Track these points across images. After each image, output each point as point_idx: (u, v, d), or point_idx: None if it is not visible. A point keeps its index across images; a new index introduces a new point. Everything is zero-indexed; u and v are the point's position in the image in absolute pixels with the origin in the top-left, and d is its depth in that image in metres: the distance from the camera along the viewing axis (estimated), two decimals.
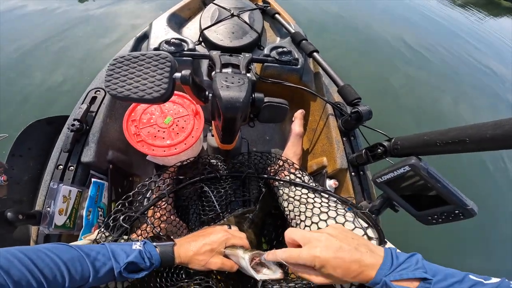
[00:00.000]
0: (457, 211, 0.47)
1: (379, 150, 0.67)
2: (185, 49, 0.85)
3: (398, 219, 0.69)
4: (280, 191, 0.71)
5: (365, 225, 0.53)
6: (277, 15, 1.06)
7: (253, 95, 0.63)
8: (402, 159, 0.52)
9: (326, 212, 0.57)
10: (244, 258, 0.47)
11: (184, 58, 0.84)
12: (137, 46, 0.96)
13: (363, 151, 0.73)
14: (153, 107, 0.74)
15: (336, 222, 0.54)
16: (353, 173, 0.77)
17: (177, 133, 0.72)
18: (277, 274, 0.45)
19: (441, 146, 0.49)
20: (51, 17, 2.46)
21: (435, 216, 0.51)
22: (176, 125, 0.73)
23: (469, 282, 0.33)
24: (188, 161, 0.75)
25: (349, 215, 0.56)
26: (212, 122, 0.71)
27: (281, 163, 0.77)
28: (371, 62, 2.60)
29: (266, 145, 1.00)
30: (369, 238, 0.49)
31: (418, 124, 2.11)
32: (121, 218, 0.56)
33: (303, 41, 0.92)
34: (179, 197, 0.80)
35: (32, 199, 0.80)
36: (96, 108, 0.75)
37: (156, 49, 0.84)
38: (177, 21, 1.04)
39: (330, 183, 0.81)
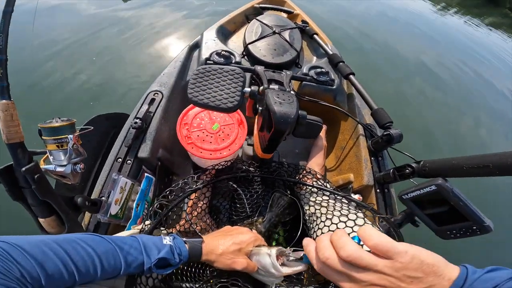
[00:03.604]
0: (474, 227, 0.53)
1: (407, 170, 0.73)
2: (233, 61, 0.93)
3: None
4: (303, 196, 0.77)
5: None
6: (315, 36, 1.13)
7: (299, 112, 0.70)
8: (429, 180, 0.58)
9: (346, 215, 0.62)
10: (270, 254, 0.49)
11: None
12: (189, 54, 1.05)
13: (391, 170, 0.79)
14: (203, 113, 0.82)
15: (355, 224, 0.59)
16: (378, 190, 0.83)
17: (223, 139, 0.80)
18: (301, 266, 0.47)
19: (467, 170, 0.55)
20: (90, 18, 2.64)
21: (454, 231, 0.56)
22: (222, 132, 0.80)
23: None
24: (225, 163, 0.81)
25: (368, 219, 0.62)
26: (256, 133, 0.78)
27: (305, 172, 0.83)
28: (387, 80, 2.64)
29: (295, 158, 1.06)
30: None
31: (434, 148, 2.14)
32: (157, 205, 0.59)
33: (341, 63, 0.98)
34: (213, 198, 0.87)
35: (83, 188, 0.87)
36: (154, 109, 0.84)
37: (207, 59, 0.93)
38: (224, 33, 1.13)
39: (355, 198, 0.87)
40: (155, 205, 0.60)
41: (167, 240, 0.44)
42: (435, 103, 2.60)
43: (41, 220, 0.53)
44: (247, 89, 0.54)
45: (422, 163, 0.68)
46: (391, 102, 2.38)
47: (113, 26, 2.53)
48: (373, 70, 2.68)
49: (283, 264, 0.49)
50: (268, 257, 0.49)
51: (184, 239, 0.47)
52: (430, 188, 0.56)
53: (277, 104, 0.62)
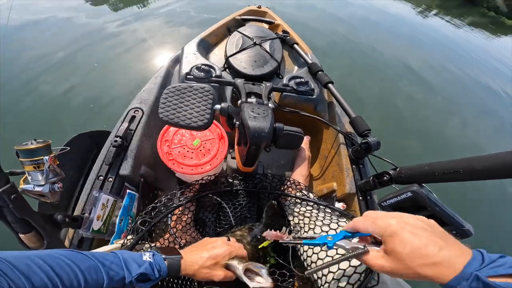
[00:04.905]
0: (454, 232, 0.53)
1: (385, 177, 0.74)
2: (213, 75, 0.94)
3: None
4: (287, 207, 0.78)
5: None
6: (295, 45, 1.15)
7: (275, 125, 0.71)
8: (406, 186, 0.59)
9: (328, 224, 0.63)
10: (238, 268, 0.51)
11: (212, 84, 0.93)
12: (170, 69, 1.05)
13: (371, 178, 0.80)
14: (183, 130, 0.82)
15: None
16: (360, 198, 0.84)
17: (204, 155, 0.80)
18: (268, 283, 0.50)
19: (439, 176, 0.56)
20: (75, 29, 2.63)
21: None
22: (203, 147, 0.81)
23: None
24: (208, 178, 0.82)
25: None
26: (236, 147, 0.79)
27: (289, 183, 0.84)
28: (375, 84, 2.68)
29: (281, 169, 1.07)
30: None
31: (423, 150, 2.17)
32: (139, 222, 0.61)
33: (319, 72, 1.00)
34: (198, 212, 0.87)
35: (67, 205, 0.87)
36: (135, 126, 0.84)
37: (187, 73, 0.93)
38: (205, 46, 1.13)
39: (339, 206, 0.88)
40: (138, 222, 0.61)
41: (146, 257, 0.47)
42: (420, 105, 2.64)
43: (21, 235, 0.55)
44: (217, 106, 0.56)
45: (398, 169, 0.69)
46: (377, 106, 2.41)
47: (101, 39, 2.53)
48: (358, 75, 2.73)
49: (254, 274, 0.51)
50: (238, 270, 0.52)
51: (163, 256, 0.49)
52: (407, 195, 0.57)
53: (251, 118, 0.63)
